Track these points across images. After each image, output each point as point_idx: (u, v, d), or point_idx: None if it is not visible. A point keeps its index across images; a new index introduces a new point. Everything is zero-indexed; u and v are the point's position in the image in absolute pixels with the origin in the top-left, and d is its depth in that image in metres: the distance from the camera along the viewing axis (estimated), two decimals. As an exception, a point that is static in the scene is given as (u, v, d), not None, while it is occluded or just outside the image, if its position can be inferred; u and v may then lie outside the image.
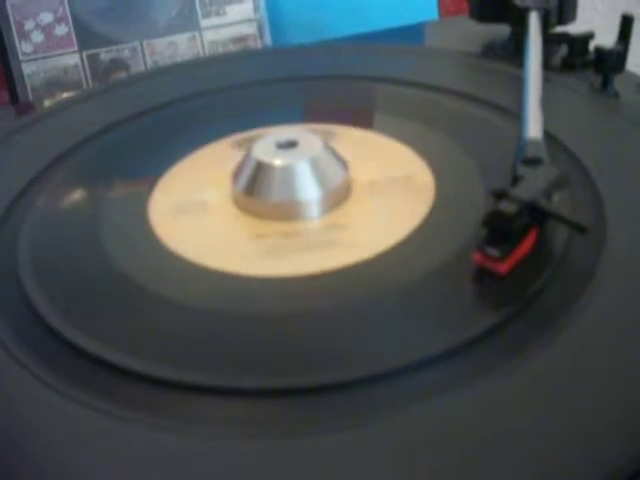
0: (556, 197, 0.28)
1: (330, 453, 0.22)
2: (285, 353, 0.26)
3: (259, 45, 0.56)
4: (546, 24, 0.43)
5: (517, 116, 0.35)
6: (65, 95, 0.53)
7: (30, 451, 0.23)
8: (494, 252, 0.27)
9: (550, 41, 0.44)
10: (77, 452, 0.23)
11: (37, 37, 0.54)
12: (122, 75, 0.55)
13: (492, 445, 0.22)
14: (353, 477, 0.21)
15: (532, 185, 0.28)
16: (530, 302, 0.27)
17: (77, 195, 0.36)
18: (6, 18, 0.53)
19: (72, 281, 0.30)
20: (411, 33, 0.51)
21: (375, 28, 0.51)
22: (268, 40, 0.57)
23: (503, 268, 0.27)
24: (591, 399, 0.23)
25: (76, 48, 0.55)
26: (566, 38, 0.43)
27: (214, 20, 0.56)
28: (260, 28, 0.57)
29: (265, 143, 0.33)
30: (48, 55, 0.54)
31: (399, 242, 0.30)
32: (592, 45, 0.42)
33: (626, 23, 0.41)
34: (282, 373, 0.25)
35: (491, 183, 0.29)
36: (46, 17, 0.54)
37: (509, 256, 0.27)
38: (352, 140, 0.37)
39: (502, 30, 0.46)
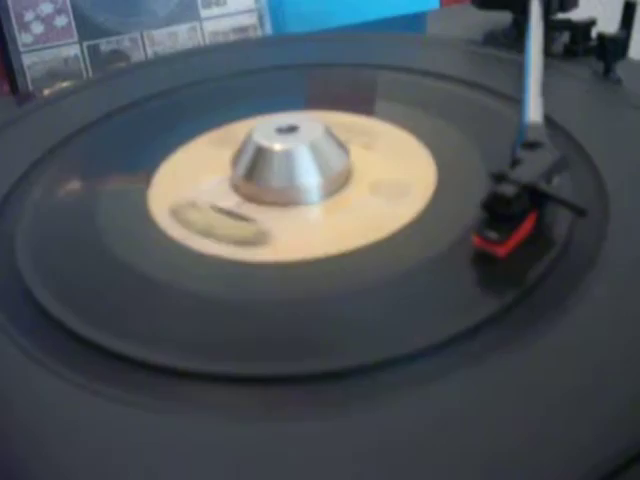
0: (556, 180, 0.28)
1: (325, 438, 0.22)
2: (283, 339, 0.25)
3: (259, 35, 0.56)
4: (548, 11, 0.43)
5: (519, 102, 0.34)
6: (65, 85, 0.53)
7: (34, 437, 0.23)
8: (493, 235, 0.27)
9: (552, 28, 0.43)
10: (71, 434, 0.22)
11: (37, 28, 0.54)
12: (122, 66, 0.55)
13: (492, 434, 0.22)
14: (358, 462, 0.21)
15: (532, 168, 0.28)
16: (531, 287, 0.26)
17: (74, 184, 0.36)
18: (6, 9, 0.53)
19: (71, 269, 0.29)
20: (413, 22, 0.51)
21: (376, 17, 0.51)
22: (269, 30, 0.56)
23: (502, 251, 0.27)
24: (592, 386, 0.23)
25: (76, 39, 0.54)
26: (568, 25, 0.43)
27: (214, 10, 0.56)
28: (260, 18, 0.56)
29: (265, 128, 0.33)
30: (48, 46, 0.54)
31: (400, 228, 0.30)
32: (594, 32, 0.42)
33: (629, 9, 0.40)
34: (282, 359, 0.25)
35: (492, 166, 0.29)
36: (46, 8, 0.54)
37: (508, 239, 0.27)
38: (351, 124, 0.37)
39: (504, 17, 0.46)
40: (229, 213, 0.31)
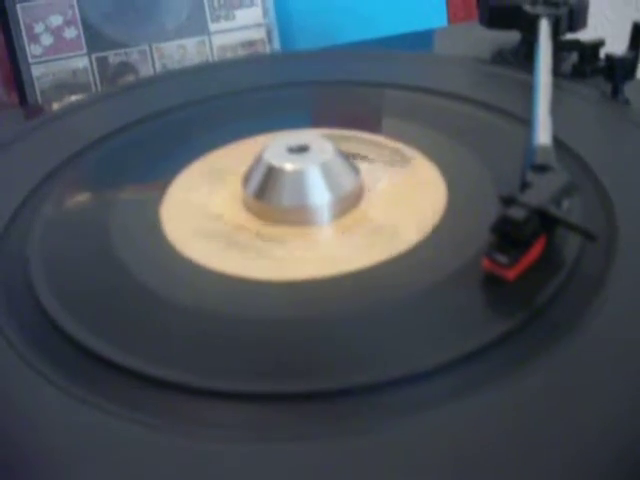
0: (566, 204, 0.28)
1: (331, 458, 0.22)
2: (291, 358, 0.26)
3: (267, 50, 0.56)
4: (556, 31, 0.43)
5: (527, 122, 0.34)
6: (74, 98, 0.53)
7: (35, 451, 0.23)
8: (502, 258, 0.27)
9: (560, 48, 0.43)
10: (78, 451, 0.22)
11: (47, 40, 0.54)
12: (130, 78, 0.55)
13: (499, 452, 0.22)
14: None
15: (541, 191, 0.28)
16: (540, 310, 0.26)
17: (87, 198, 0.36)
18: (16, 21, 0.53)
19: (83, 284, 0.30)
20: (420, 39, 0.51)
21: (384, 34, 0.51)
22: (277, 45, 0.57)
23: (511, 275, 0.27)
24: (599, 411, 0.23)
25: (85, 51, 0.55)
26: (577, 45, 0.43)
27: (223, 24, 0.56)
28: (269, 33, 0.57)
29: (276, 147, 0.33)
30: (57, 58, 0.54)
31: (408, 249, 0.30)
32: (603, 52, 0.42)
33: (637, 31, 0.40)
34: (287, 378, 0.25)
35: (502, 189, 0.29)
36: (56, 20, 0.54)
37: (517, 263, 0.27)
38: (363, 142, 0.37)
39: (512, 36, 0.46)
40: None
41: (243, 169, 0.34)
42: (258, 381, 0.24)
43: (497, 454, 0.22)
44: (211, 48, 0.56)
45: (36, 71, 0.54)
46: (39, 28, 0.54)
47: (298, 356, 0.26)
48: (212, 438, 0.23)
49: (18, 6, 0.53)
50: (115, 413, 0.23)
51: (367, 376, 0.24)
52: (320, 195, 0.31)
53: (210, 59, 0.56)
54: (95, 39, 0.55)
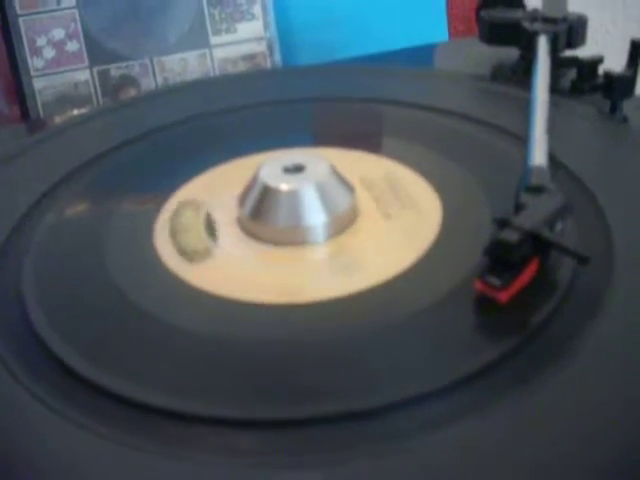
0: (559, 226, 0.28)
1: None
2: (289, 382, 0.26)
3: (268, 63, 0.56)
4: (555, 48, 0.43)
5: (524, 141, 0.34)
6: (75, 112, 0.53)
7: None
8: (495, 281, 0.27)
9: (559, 65, 0.43)
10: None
11: (49, 53, 0.54)
12: (132, 91, 0.55)
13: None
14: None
15: (535, 214, 0.28)
16: (535, 333, 0.26)
17: (83, 215, 0.36)
18: (19, 34, 0.53)
19: (76, 306, 0.30)
20: (421, 54, 0.51)
21: (385, 49, 0.51)
22: (278, 58, 0.57)
23: (503, 297, 0.27)
24: (595, 433, 0.23)
25: (87, 64, 0.55)
26: (575, 62, 0.43)
27: (224, 37, 0.56)
28: (270, 46, 0.57)
29: (272, 167, 0.33)
30: (59, 71, 0.54)
31: (403, 271, 0.30)
32: (601, 69, 0.42)
33: (636, 48, 0.41)
34: (291, 403, 0.25)
35: (497, 209, 0.29)
36: (58, 33, 0.54)
37: (510, 285, 0.27)
38: (355, 160, 0.37)
39: (511, 53, 0.46)
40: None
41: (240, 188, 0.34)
42: (253, 405, 0.24)
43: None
44: (212, 61, 0.56)
45: (38, 84, 0.54)
46: (41, 41, 0.54)
47: (297, 379, 0.26)
48: (212, 464, 0.23)
49: (20, 19, 0.53)
50: (110, 437, 0.23)
51: (361, 402, 0.24)
52: (315, 215, 0.32)
53: (211, 72, 0.56)
54: (97, 52, 0.55)
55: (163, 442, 0.23)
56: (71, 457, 0.23)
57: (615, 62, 0.42)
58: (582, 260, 0.27)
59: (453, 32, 0.59)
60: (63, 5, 0.54)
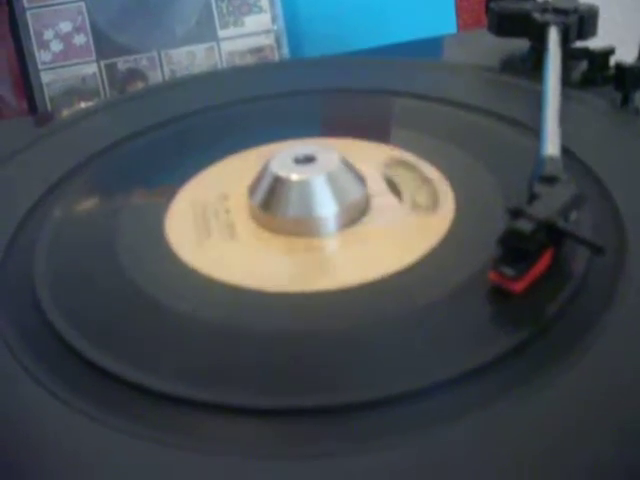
0: (573, 216, 0.28)
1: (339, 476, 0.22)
2: (296, 372, 0.25)
3: (276, 56, 0.56)
4: (566, 39, 0.43)
5: (536, 132, 0.34)
6: (83, 105, 0.53)
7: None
8: (509, 271, 0.27)
9: (570, 56, 0.43)
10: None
11: (56, 46, 0.54)
12: (139, 84, 0.55)
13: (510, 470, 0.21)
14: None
15: (549, 203, 0.27)
16: (547, 323, 0.26)
17: (93, 208, 0.36)
18: (26, 27, 0.53)
19: (88, 295, 0.30)
20: (429, 46, 0.51)
21: (393, 41, 0.51)
22: (286, 51, 0.56)
23: (517, 287, 0.27)
24: (610, 425, 0.23)
25: (94, 57, 0.55)
26: (586, 53, 0.43)
27: (232, 31, 0.56)
28: (278, 39, 0.56)
29: (282, 157, 0.33)
30: (66, 64, 0.54)
31: (415, 261, 0.30)
32: (613, 60, 0.42)
33: (647, 39, 0.40)
34: (297, 392, 0.25)
35: (510, 200, 0.29)
36: (65, 26, 0.54)
37: (524, 275, 0.27)
38: (369, 152, 0.37)
39: (521, 44, 0.46)
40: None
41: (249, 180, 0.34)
42: (268, 396, 0.24)
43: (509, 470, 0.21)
44: (220, 54, 0.56)
45: (45, 77, 0.54)
46: (48, 35, 0.54)
47: (307, 370, 0.25)
48: (224, 453, 0.22)
49: (28, 12, 0.53)
50: (124, 429, 0.23)
51: (376, 391, 0.24)
52: (326, 206, 0.31)
53: (219, 65, 0.56)
54: (104, 45, 0.55)
55: (172, 431, 0.23)
56: (77, 445, 0.23)
57: (624, 53, 0.41)
58: (597, 250, 0.26)
59: (461, 25, 0.59)
60: (70, -2, 0.54)
